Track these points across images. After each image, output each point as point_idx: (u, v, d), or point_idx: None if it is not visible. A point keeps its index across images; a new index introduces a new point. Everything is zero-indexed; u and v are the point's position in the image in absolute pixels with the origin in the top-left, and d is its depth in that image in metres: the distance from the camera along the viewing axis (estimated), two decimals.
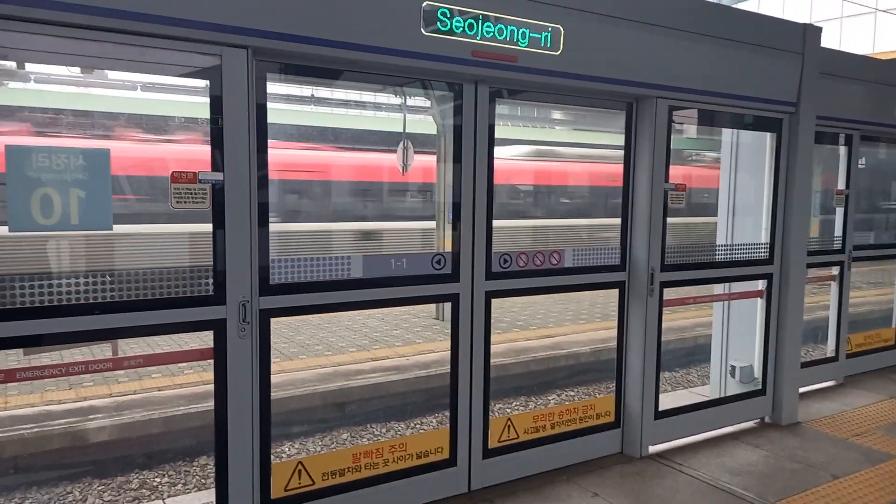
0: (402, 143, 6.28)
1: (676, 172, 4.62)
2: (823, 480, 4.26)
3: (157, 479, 5.01)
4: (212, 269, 3.08)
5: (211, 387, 3.16)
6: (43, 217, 2.67)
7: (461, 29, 3.50)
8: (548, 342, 7.98)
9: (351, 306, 3.57)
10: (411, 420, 6.17)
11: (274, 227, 3.24)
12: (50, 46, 2.70)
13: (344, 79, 3.54)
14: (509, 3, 3.63)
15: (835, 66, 5.54)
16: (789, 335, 5.27)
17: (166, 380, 6.17)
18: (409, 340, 7.86)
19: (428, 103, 4.94)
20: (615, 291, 4.57)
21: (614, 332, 4.65)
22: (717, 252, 5.14)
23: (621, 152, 4.52)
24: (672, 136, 4.50)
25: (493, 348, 4.03)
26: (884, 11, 22.77)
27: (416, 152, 6.22)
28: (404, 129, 6.21)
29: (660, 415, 4.66)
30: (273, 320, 3.27)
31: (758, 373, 5.35)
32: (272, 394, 3.32)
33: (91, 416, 5.33)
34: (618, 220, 4.55)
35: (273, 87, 3.21)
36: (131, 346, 4.12)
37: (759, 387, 5.30)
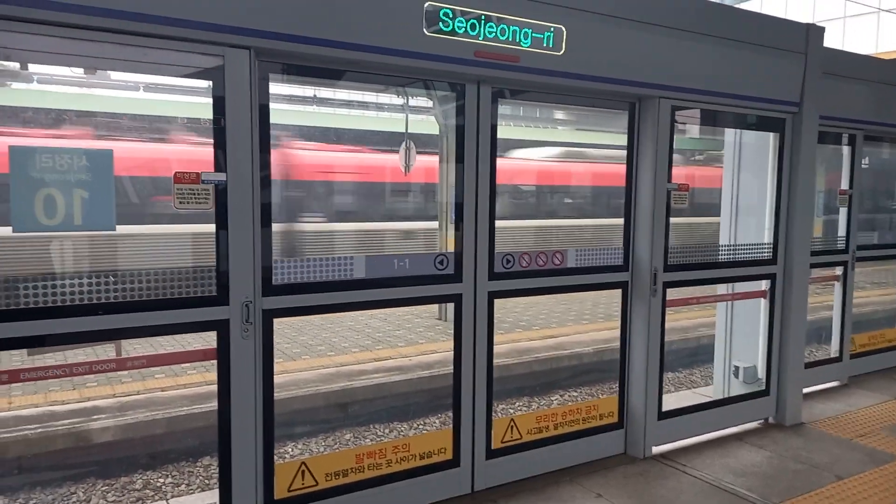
0: (404, 144, 6.29)
1: (678, 173, 4.62)
2: (827, 481, 4.25)
3: (161, 480, 5.01)
4: (215, 269, 3.08)
5: (214, 387, 3.16)
6: (46, 218, 2.67)
7: (463, 29, 3.50)
8: (550, 342, 7.97)
9: (354, 307, 3.58)
10: (414, 420, 6.17)
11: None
12: (53, 47, 2.70)
13: (346, 79, 3.55)
14: (511, 4, 3.63)
15: (838, 65, 5.53)
16: (793, 335, 5.26)
17: (170, 380, 6.18)
18: (412, 341, 7.86)
19: (430, 103, 4.94)
20: (618, 292, 4.56)
21: (617, 333, 4.64)
22: (720, 252, 5.13)
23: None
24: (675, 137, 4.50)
25: (496, 349, 4.02)
26: (887, 11, 22.72)
27: (423, 153, 6.23)
28: (406, 129, 6.22)
29: (663, 415, 4.65)
30: (276, 321, 3.27)
31: (761, 373, 5.34)
32: (275, 394, 3.32)
33: (95, 417, 5.34)
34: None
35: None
36: (135, 347, 4.12)
37: (763, 387, 5.28)
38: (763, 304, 5.31)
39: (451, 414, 3.92)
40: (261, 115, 3.13)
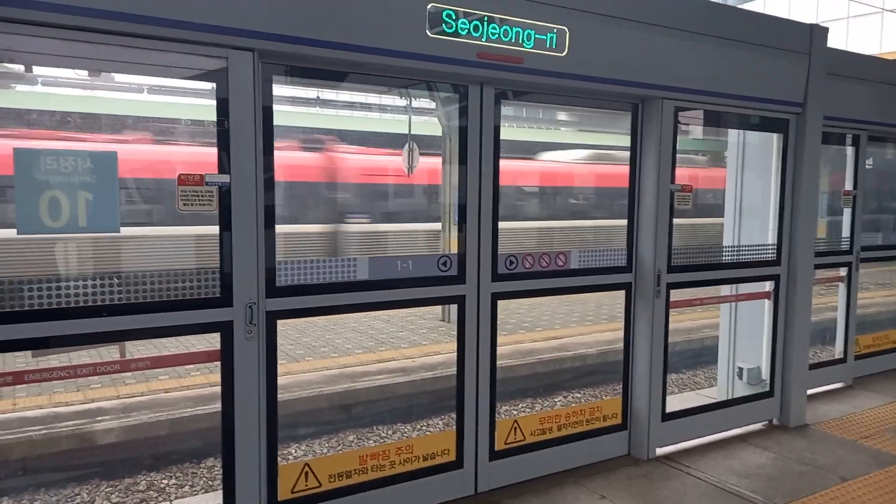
0: (407, 145, 6.29)
1: (681, 173, 4.61)
2: (832, 483, 4.24)
3: (165, 481, 5.02)
4: (219, 271, 3.08)
5: (218, 388, 3.17)
6: (51, 219, 2.68)
7: (466, 30, 3.50)
8: (554, 344, 7.97)
9: (357, 308, 3.58)
10: (417, 422, 6.17)
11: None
12: (57, 49, 2.71)
13: (349, 81, 3.55)
14: (515, 5, 3.63)
15: (841, 66, 5.52)
16: (797, 337, 5.24)
17: (173, 381, 6.19)
18: (415, 342, 7.86)
19: (433, 104, 4.95)
20: (622, 293, 4.56)
21: (621, 334, 4.64)
22: (723, 253, 5.12)
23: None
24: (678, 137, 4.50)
25: (500, 350, 4.02)
26: (890, 11, 22.67)
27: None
28: (409, 130, 6.22)
29: (667, 417, 4.64)
30: (279, 322, 3.28)
31: (765, 374, 5.33)
32: (279, 395, 3.32)
33: (98, 418, 5.35)
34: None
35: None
36: (138, 349, 4.13)
37: (767, 388, 5.27)
38: (767, 305, 5.30)
39: (454, 415, 3.92)
40: (264, 116, 3.13)
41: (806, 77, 5.02)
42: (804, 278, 5.24)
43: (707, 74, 4.50)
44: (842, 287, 6.40)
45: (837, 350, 6.43)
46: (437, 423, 6.13)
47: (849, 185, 6.31)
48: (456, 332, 3.87)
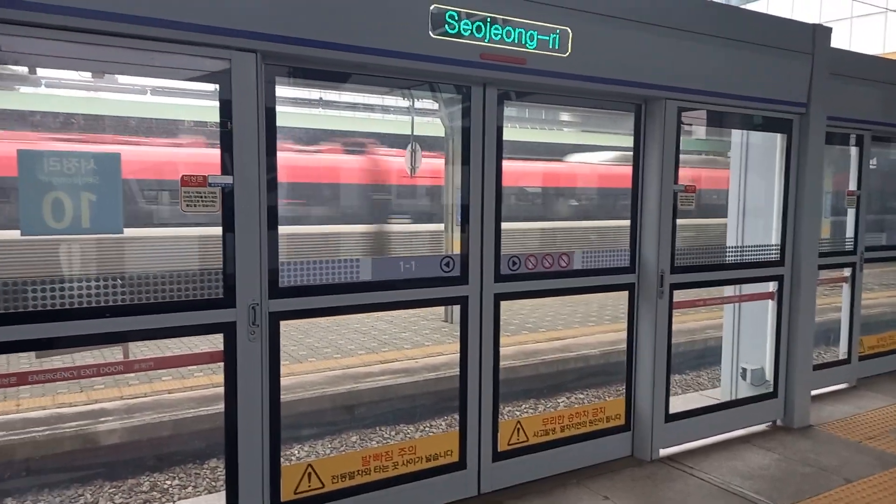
0: (410, 146, 6.29)
1: (684, 174, 4.61)
2: (836, 484, 4.23)
3: (168, 482, 5.03)
4: (222, 272, 3.09)
5: (221, 389, 3.17)
6: (54, 221, 2.69)
7: (469, 31, 3.50)
8: (557, 344, 7.96)
9: (360, 309, 3.58)
10: (420, 423, 6.17)
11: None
12: (61, 51, 2.72)
13: (352, 82, 3.55)
14: (517, 6, 3.63)
15: (845, 66, 5.51)
16: (801, 337, 5.23)
17: (176, 382, 6.20)
18: (418, 343, 7.86)
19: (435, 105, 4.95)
20: (625, 294, 4.55)
21: (624, 335, 4.63)
22: (727, 254, 5.11)
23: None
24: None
25: (502, 351, 4.02)
26: (894, 11, 22.62)
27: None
28: (412, 131, 6.22)
29: (670, 418, 4.63)
30: (282, 323, 3.28)
31: (769, 375, 5.32)
32: (282, 396, 3.32)
33: (102, 419, 5.36)
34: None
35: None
36: (142, 349, 4.14)
37: (771, 389, 5.26)
38: (771, 305, 5.29)
39: (457, 416, 3.92)
40: (267, 118, 3.14)
41: (809, 77, 5.01)
42: (808, 279, 5.22)
43: (710, 75, 4.50)
44: (846, 288, 6.38)
45: (841, 351, 6.41)
46: (440, 424, 6.12)
47: (853, 186, 6.30)
48: (459, 333, 3.87)
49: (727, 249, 5.24)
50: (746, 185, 5.53)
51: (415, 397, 6.43)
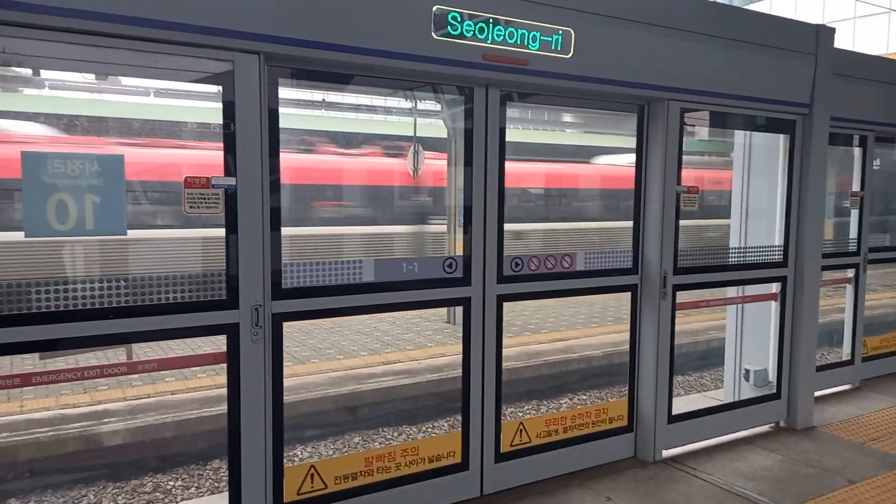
0: (412, 147, 6.30)
1: (686, 174, 4.60)
2: (839, 485, 4.22)
3: (171, 483, 5.04)
4: (225, 273, 3.09)
5: (224, 390, 3.18)
6: (58, 222, 2.69)
7: (472, 33, 3.50)
8: (559, 346, 7.96)
9: (363, 310, 3.58)
10: (423, 424, 6.17)
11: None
12: (65, 53, 2.72)
13: (355, 83, 3.56)
14: (520, 7, 3.63)
15: (848, 66, 5.50)
16: (804, 338, 5.22)
17: (179, 383, 6.21)
18: (421, 344, 7.86)
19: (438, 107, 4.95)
20: (627, 295, 4.55)
21: (627, 336, 4.63)
22: (730, 255, 5.10)
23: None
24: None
25: (505, 352, 4.02)
26: None
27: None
28: (415, 132, 6.23)
29: (673, 419, 4.63)
30: (285, 324, 3.28)
31: (772, 376, 5.31)
32: (285, 397, 3.33)
33: (105, 420, 5.37)
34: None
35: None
36: (145, 351, 4.15)
37: (774, 390, 5.25)
38: (774, 306, 5.28)
39: (459, 417, 3.92)
40: (270, 119, 3.14)
41: (812, 78, 5.01)
42: (811, 280, 5.21)
43: (713, 75, 4.49)
44: (849, 289, 6.37)
45: (845, 352, 6.40)
46: (443, 425, 6.12)
47: (856, 186, 6.29)
48: (461, 334, 3.87)
49: (730, 250, 5.24)
50: (749, 186, 5.52)
51: (417, 398, 6.43)
